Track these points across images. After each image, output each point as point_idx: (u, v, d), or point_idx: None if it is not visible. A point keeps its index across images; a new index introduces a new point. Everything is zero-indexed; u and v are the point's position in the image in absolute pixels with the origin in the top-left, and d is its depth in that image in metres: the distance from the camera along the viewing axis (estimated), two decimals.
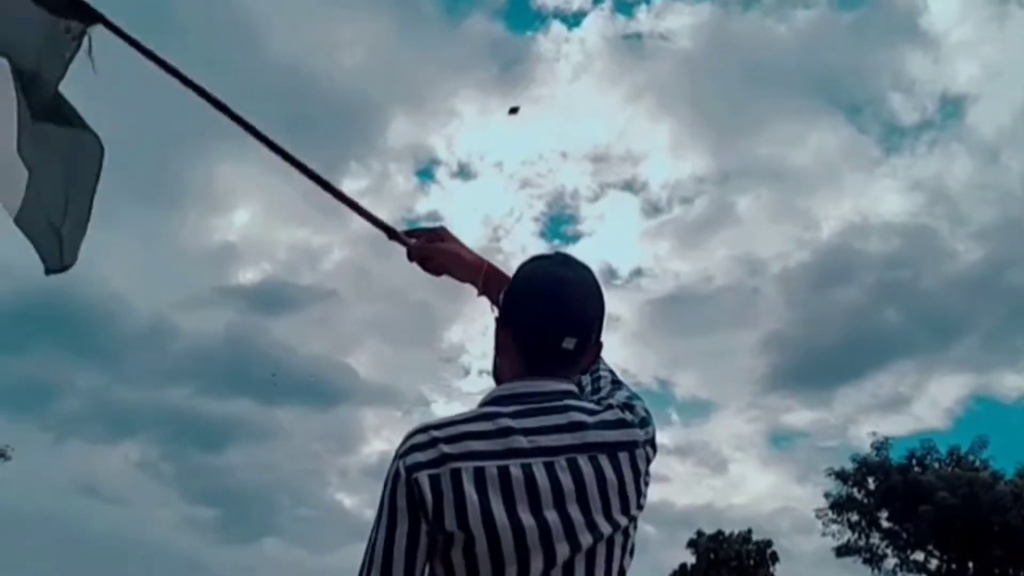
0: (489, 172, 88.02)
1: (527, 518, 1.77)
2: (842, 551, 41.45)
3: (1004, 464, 41.17)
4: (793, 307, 68.56)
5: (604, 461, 1.85)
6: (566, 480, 1.81)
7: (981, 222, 67.08)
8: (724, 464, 73.89)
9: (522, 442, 1.83)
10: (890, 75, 72.21)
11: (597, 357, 2.10)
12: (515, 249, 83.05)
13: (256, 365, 67.04)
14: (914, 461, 40.69)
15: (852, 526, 41.36)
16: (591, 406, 1.93)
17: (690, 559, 52.33)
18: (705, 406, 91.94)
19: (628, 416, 1.95)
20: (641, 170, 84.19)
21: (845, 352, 64.08)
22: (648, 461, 1.94)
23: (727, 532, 51.82)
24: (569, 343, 1.92)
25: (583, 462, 1.84)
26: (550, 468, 1.82)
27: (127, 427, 78.61)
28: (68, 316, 64.66)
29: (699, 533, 52.51)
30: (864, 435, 67.67)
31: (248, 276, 76.49)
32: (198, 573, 74.50)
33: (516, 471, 1.80)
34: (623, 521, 1.86)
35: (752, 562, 50.72)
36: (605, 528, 1.82)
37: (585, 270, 2.04)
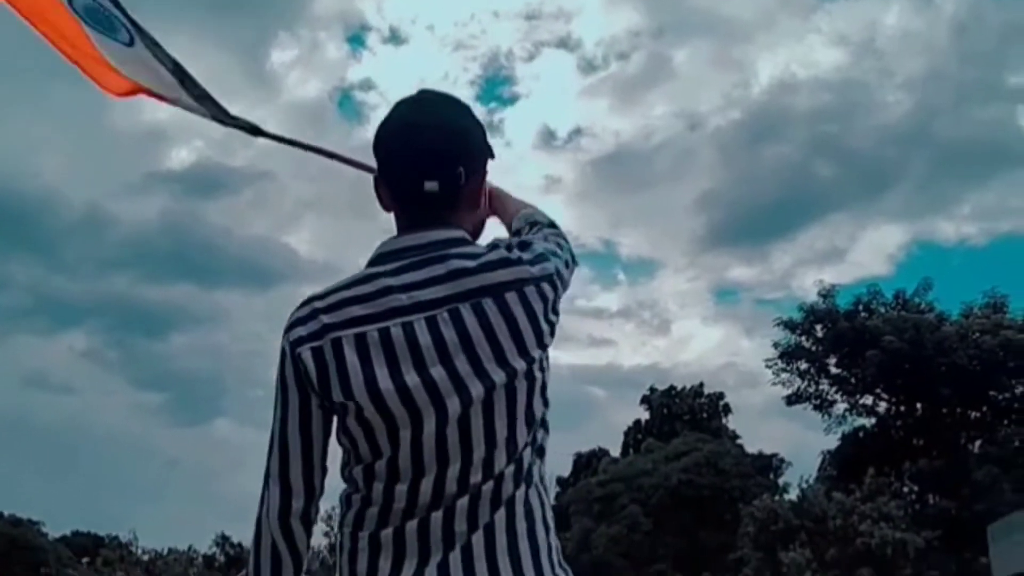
0: (421, 36, 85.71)
1: (412, 378, 1.74)
2: (792, 399, 41.91)
3: (949, 305, 41.37)
4: (727, 165, 68.27)
5: (489, 305, 1.78)
6: (449, 333, 1.76)
7: (908, 73, 66.52)
8: (668, 324, 74.35)
9: (402, 300, 1.79)
10: None
11: (481, 189, 2.00)
12: None
13: (194, 249, 65.96)
14: (861, 307, 40.80)
15: (801, 374, 41.71)
16: (475, 250, 1.86)
17: (644, 415, 52.87)
18: (649, 264, 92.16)
19: (515, 254, 1.85)
20: (575, 27, 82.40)
21: (780, 208, 64.29)
22: (545, 298, 1.83)
23: (679, 387, 52.27)
24: (432, 186, 1.86)
25: (466, 311, 1.77)
26: (432, 323, 1.77)
27: (70, 318, 78.00)
28: (2, 210, 63.08)
29: (652, 389, 53.01)
30: (809, 285, 68.37)
31: (181, 157, 74.65)
32: (151, 457, 74.88)
33: (397, 331, 1.76)
34: (520, 364, 1.78)
35: (705, 415, 51.35)
36: (498, 375, 1.76)
37: (442, 104, 1.97)
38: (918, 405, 39.92)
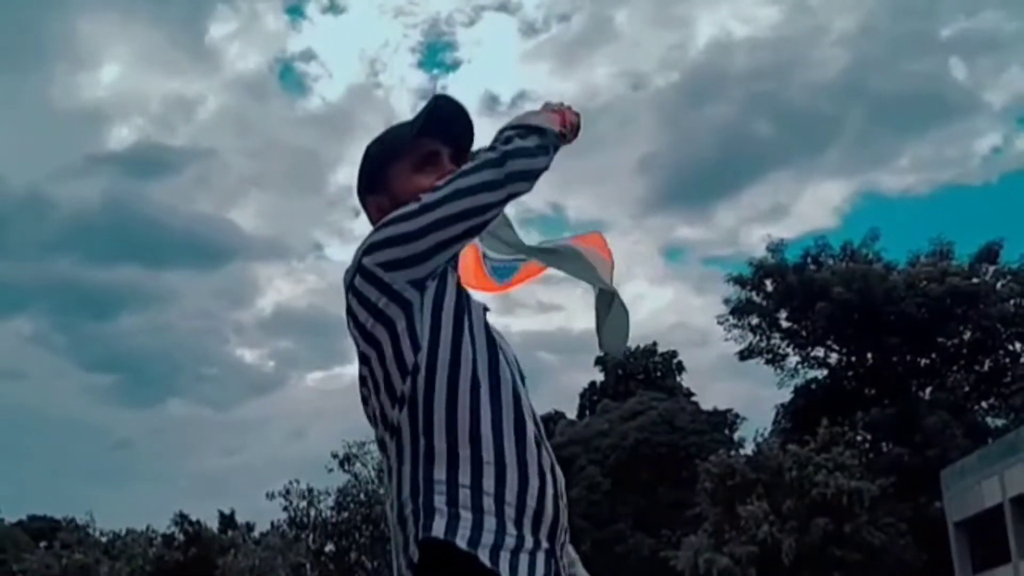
0: (360, 3, 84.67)
1: None
2: (745, 354, 42.16)
3: (896, 255, 41.68)
4: (669, 126, 68.31)
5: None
6: None
7: (842, 29, 66.88)
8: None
9: None
10: None
11: (386, 186, 2.15)
12: (394, 82, 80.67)
13: (138, 230, 65.04)
14: (809, 259, 41.01)
15: (753, 329, 41.99)
16: None
17: (598, 377, 52.90)
18: (598, 226, 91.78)
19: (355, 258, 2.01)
20: None
21: (722, 167, 64.51)
22: (358, 292, 1.96)
23: (633, 347, 52.31)
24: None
25: None
26: None
27: (15, 302, 76.64)
28: None
29: None
30: (755, 241, 68.72)
31: (122, 134, 73.40)
32: (104, 439, 74.08)
33: None
34: (363, 371, 2.00)
35: (659, 374, 51.44)
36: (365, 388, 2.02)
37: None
38: (868, 355, 40.33)
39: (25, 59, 76.93)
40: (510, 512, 1.83)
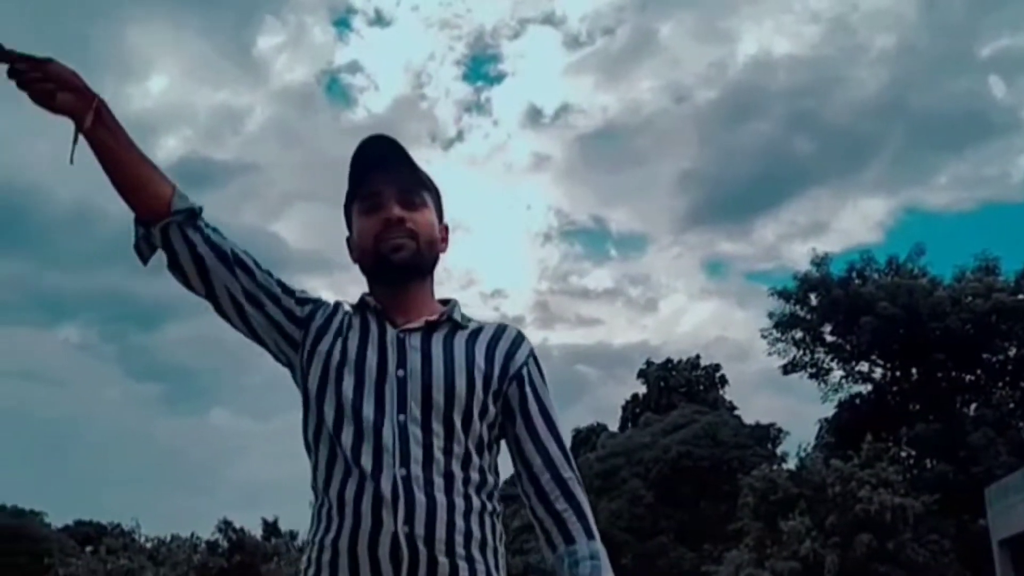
0: (406, 16, 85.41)
1: None
2: (788, 368, 41.93)
3: (941, 270, 41.32)
4: (709, 142, 68.30)
5: None
6: None
7: (882, 48, 66.63)
8: (655, 301, 74.41)
9: None
10: None
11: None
12: (439, 95, 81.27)
13: None
14: (854, 274, 40.78)
15: (797, 343, 41.73)
16: None
17: (641, 390, 52.92)
18: (640, 239, 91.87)
19: None
20: (559, 2, 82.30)
21: (762, 184, 64.41)
22: None
23: (675, 360, 52.32)
24: None
25: None
26: None
27: (63, 311, 77.93)
28: None
29: (648, 363, 53.02)
30: (797, 256, 68.27)
31: (170, 146, 74.32)
32: (150, 446, 75.00)
33: None
34: None
35: (702, 387, 51.36)
36: None
37: None
38: (913, 370, 40.03)
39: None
40: (326, 557, 1.90)
